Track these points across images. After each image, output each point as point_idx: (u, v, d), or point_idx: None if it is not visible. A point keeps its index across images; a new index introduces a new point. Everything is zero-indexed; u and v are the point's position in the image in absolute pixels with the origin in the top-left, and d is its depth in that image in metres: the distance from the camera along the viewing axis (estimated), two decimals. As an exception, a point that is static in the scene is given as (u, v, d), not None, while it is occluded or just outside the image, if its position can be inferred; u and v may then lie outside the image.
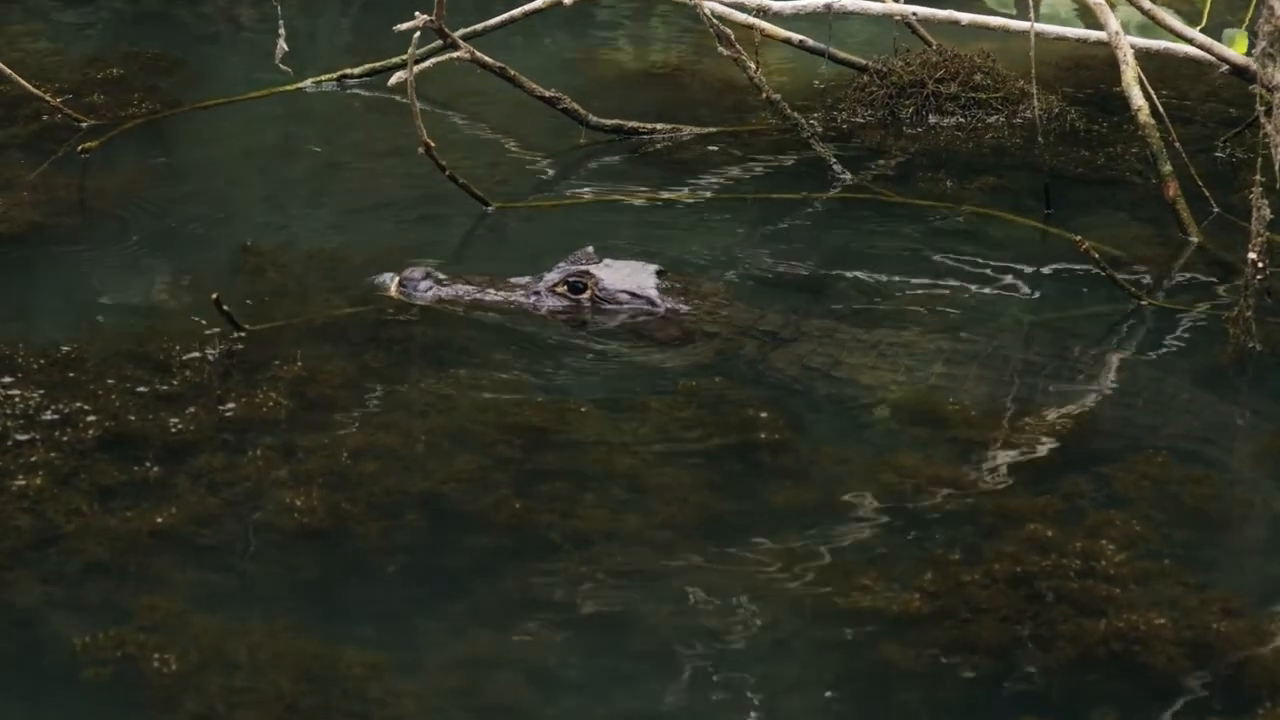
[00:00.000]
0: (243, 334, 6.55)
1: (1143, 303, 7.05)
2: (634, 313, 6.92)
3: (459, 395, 6.34)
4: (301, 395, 6.25)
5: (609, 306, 6.93)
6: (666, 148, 8.69)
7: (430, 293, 6.93)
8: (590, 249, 7.07)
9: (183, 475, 5.81)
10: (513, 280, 6.99)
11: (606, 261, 7.02)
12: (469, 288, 6.96)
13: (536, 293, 6.93)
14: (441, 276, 6.96)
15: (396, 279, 6.97)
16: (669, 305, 6.91)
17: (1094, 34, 8.24)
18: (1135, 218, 7.96)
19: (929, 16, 8.68)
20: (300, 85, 9.11)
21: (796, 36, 8.92)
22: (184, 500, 5.69)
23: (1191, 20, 10.50)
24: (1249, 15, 9.13)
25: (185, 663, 5.01)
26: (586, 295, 6.92)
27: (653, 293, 6.92)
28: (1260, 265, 6.35)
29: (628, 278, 6.97)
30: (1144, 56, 8.33)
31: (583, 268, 6.95)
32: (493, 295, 6.95)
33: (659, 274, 6.99)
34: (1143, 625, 5.16)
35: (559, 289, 6.93)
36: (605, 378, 6.57)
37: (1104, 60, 8.73)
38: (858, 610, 5.31)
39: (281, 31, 7.72)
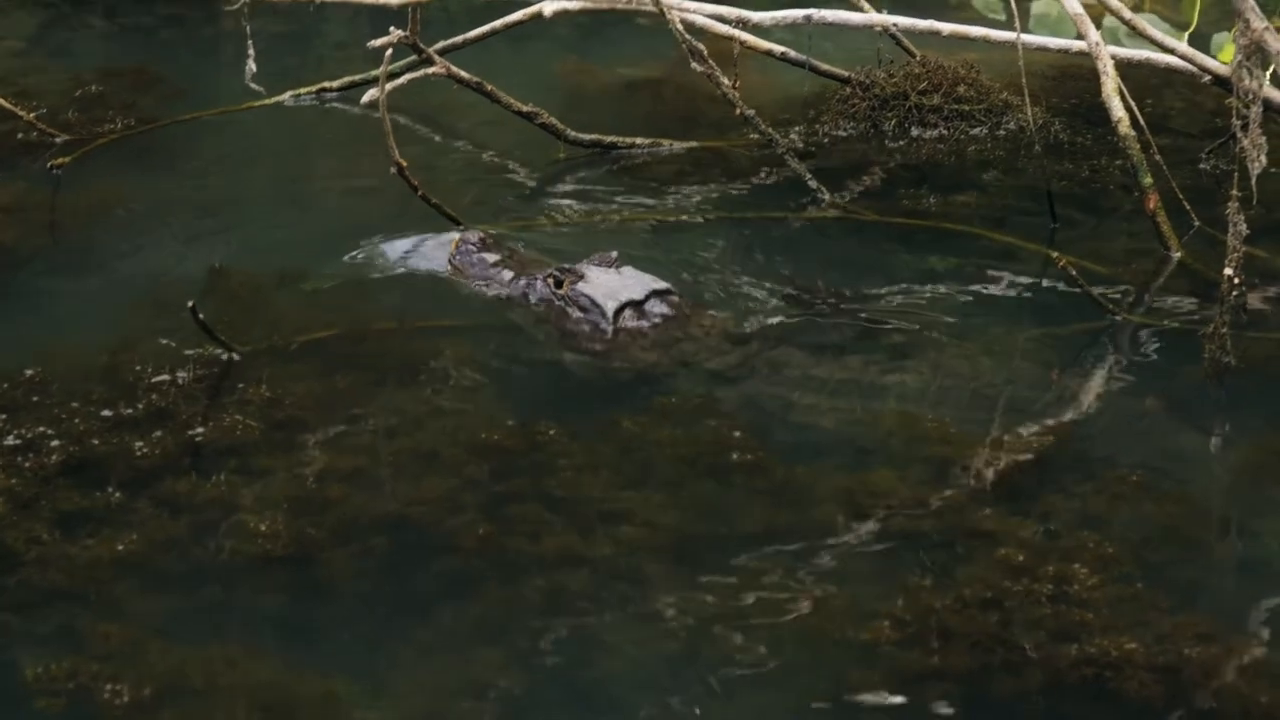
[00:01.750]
0: (223, 351, 6.48)
1: (1119, 318, 6.98)
2: (589, 323, 6.87)
3: (429, 417, 6.27)
4: (269, 418, 6.19)
5: (571, 310, 6.91)
6: (646, 162, 8.62)
7: (457, 258, 7.19)
8: (614, 254, 7.08)
9: (146, 501, 5.74)
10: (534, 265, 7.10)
11: (613, 268, 6.99)
12: (492, 257, 7.16)
13: (535, 279, 6.99)
14: (486, 242, 7.22)
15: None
16: (625, 327, 6.85)
17: (1075, 44, 8.16)
18: (1118, 231, 7.89)
19: (910, 27, 8.61)
20: (279, 99, 9.06)
21: (778, 48, 8.85)
22: (146, 526, 5.62)
23: (1183, 27, 10.47)
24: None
25: (140, 692, 4.94)
26: (562, 291, 6.93)
27: (608, 311, 6.85)
28: (1237, 281, 6.27)
29: (605, 288, 6.92)
30: (1129, 66, 8.26)
31: (574, 265, 6.97)
32: (501, 274, 7.08)
33: (660, 294, 6.92)
34: (1115, 651, 5.09)
35: (549, 280, 6.96)
36: (578, 399, 6.50)
37: (1090, 70, 8.61)
38: (827, 636, 5.24)
39: (250, 51, 7.65)
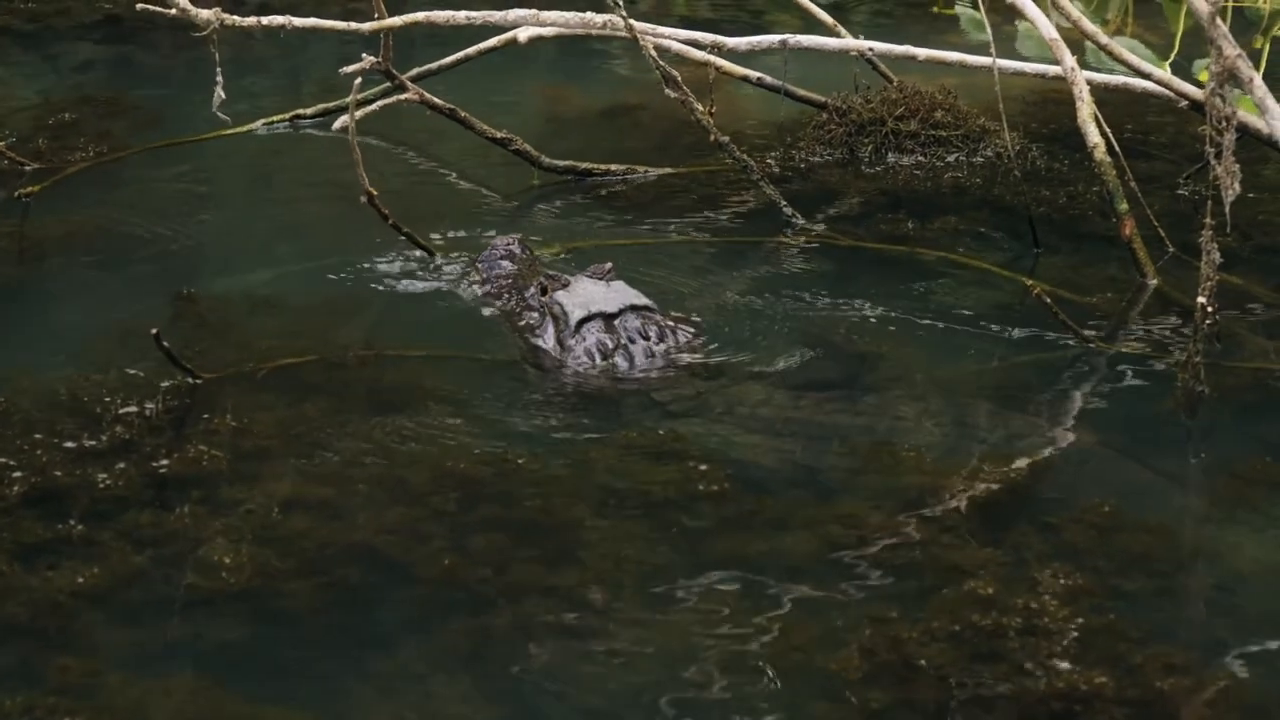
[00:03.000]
0: (186, 376, 6.43)
1: (1093, 346, 6.93)
2: (556, 332, 6.90)
3: (397, 445, 6.22)
4: (236, 448, 6.14)
5: (545, 318, 6.95)
6: (621, 189, 8.58)
7: (480, 262, 7.37)
8: (608, 265, 7.11)
9: (108, 533, 5.68)
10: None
11: (604, 280, 7.02)
12: (506, 267, 7.28)
13: (530, 288, 7.06)
14: (516, 251, 7.33)
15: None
16: (588, 339, 6.82)
17: (1051, 69, 8.12)
18: (1095, 258, 7.85)
19: (886, 53, 8.57)
20: (251, 127, 9.02)
21: (754, 74, 8.81)
22: (108, 559, 5.56)
23: (1165, 52, 10.44)
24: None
25: (96, 728, 4.89)
26: (545, 299, 6.98)
27: (572, 320, 6.86)
28: (1210, 310, 6.23)
29: (580, 298, 6.92)
30: (1108, 90, 8.22)
31: (564, 275, 7.02)
32: (507, 283, 7.18)
33: (638, 310, 6.89)
34: (1084, 684, 5.04)
35: (538, 286, 7.03)
36: (547, 427, 6.44)
37: (1069, 94, 8.57)
38: (795, 669, 5.18)
39: (219, 78, 7.60)
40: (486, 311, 7.21)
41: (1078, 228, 8.16)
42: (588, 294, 6.94)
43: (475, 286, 7.30)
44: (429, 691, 5.12)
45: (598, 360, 6.78)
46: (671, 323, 6.95)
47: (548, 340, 6.90)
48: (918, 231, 8.13)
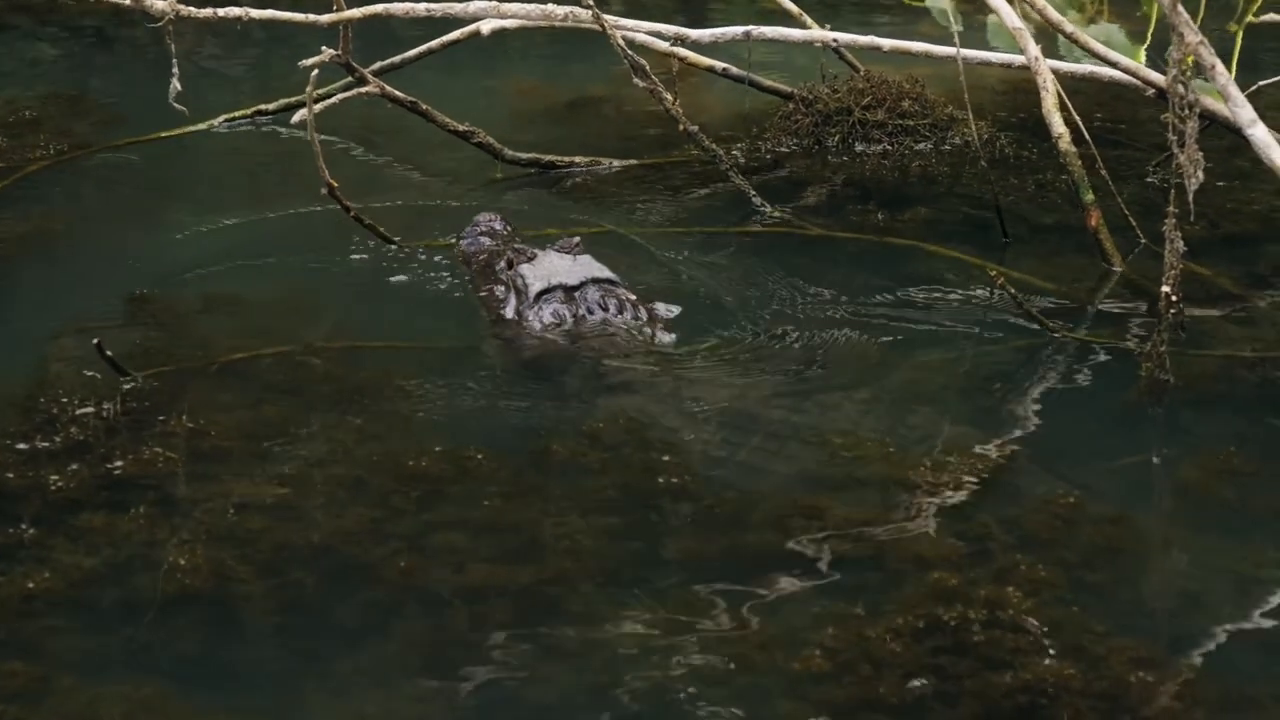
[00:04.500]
0: (128, 381, 6.35)
1: (1056, 335, 6.86)
2: (517, 305, 6.91)
3: (357, 443, 6.14)
4: (193, 448, 6.06)
5: (509, 291, 6.96)
6: (586, 180, 8.51)
7: (464, 238, 7.38)
8: (576, 240, 7.12)
9: (61, 536, 5.60)
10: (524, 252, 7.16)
11: (571, 255, 7.04)
12: (485, 243, 7.30)
13: (500, 264, 7.08)
14: (497, 228, 7.35)
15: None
16: (545, 311, 6.82)
17: (1017, 59, 8.05)
18: (1064, 246, 7.79)
19: (850, 43, 8.50)
20: (213, 123, 8.94)
21: (719, 65, 8.75)
22: (60, 562, 5.48)
23: (1141, 38, 10.38)
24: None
25: (44, 734, 4.81)
26: (510, 272, 7.01)
27: (532, 292, 6.88)
28: (1175, 299, 6.16)
29: (542, 271, 6.94)
30: (1078, 79, 8.17)
31: (527, 249, 7.06)
32: (483, 260, 7.19)
33: (600, 283, 6.89)
34: (1050, 677, 4.97)
35: (505, 260, 7.07)
36: (508, 421, 6.37)
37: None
38: (758, 667, 5.10)
39: (175, 71, 7.51)
40: (451, 297, 7.17)
41: (1047, 216, 8.10)
42: (551, 267, 6.97)
43: (461, 267, 7.35)
44: (386, 694, 5.05)
45: (551, 325, 6.74)
46: (634, 297, 6.93)
47: (509, 312, 6.87)
48: (886, 221, 8.07)
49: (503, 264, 7.06)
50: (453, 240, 7.48)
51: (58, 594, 5.36)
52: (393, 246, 7.49)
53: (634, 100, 9.20)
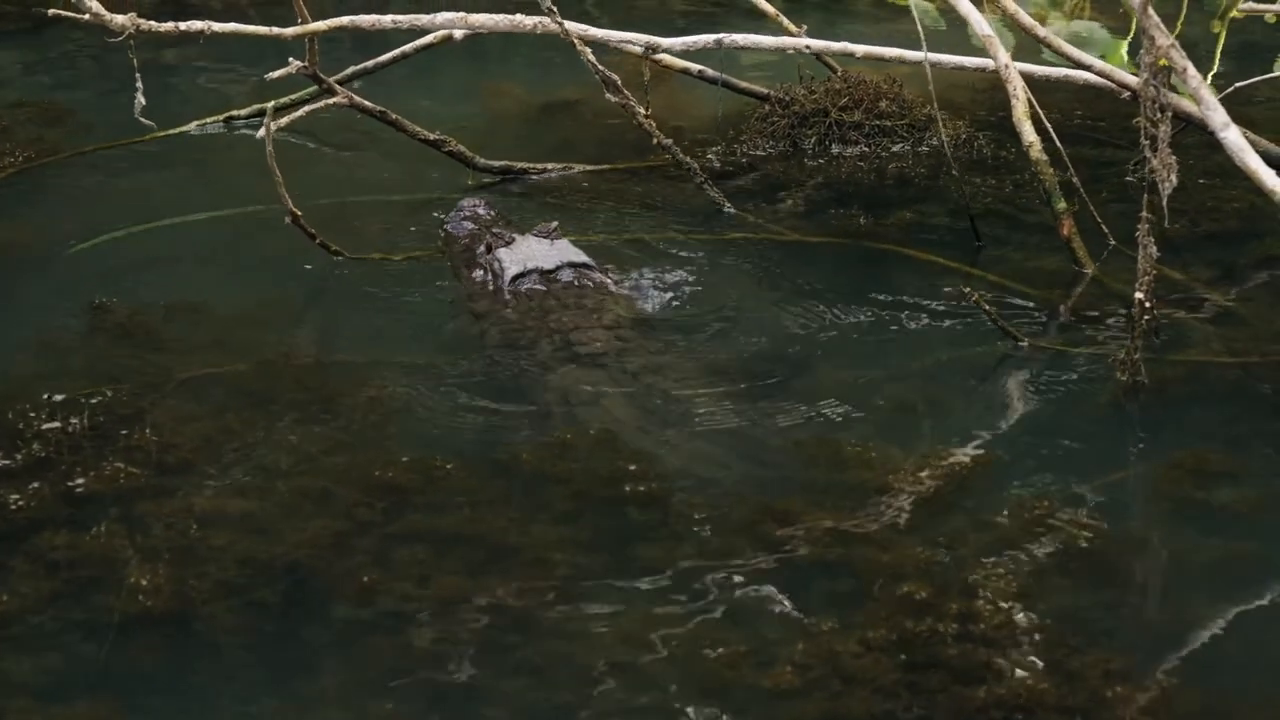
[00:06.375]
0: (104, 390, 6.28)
1: (1022, 344, 6.76)
2: (493, 288, 6.96)
3: (323, 454, 6.06)
4: (157, 463, 5.97)
5: (486, 274, 7.02)
6: (558, 187, 8.44)
7: (449, 223, 7.44)
8: (554, 224, 7.18)
9: (20, 556, 5.51)
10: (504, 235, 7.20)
11: (548, 239, 7.09)
12: (468, 228, 7.35)
13: (488, 244, 7.12)
14: (481, 213, 7.40)
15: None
16: (521, 293, 6.88)
17: (989, 64, 7.95)
18: (1040, 248, 7.70)
19: (824, 49, 8.42)
20: (184, 129, 8.87)
21: (694, 66, 8.66)
22: (19, 583, 5.39)
23: (1124, 34, 10.29)
24: (1177, 29, 8.88)
25: (-3, 762, 4.73)
26: (488, 256, 7.06)
27: (508, 275, 6.93)
28: (1148, 305, 6.08)
29: (520, 254, 6.99)
30: (1053, 82, 8.10)
31: (505, 233, 7.12)
32: (465, 243, 7.25)
33: (576, 266, 6.95)
34: (1024, 692, 4.90)
35: (485, 244, 7.11)
36: (476, 430, 6.28)
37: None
38: (727, 684, 5.03)
39: (139, 84, 7.43)
40: (418, 306, 7.16)
41: (1023, 218, 8.02)
42: (528, 251, 7.03)
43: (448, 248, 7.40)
44: (350, 712, 4.97)
45: (534, 317, 6.72)
46: (609, 280, 6.99)
47: (483, 294, 6.97)
48: (862, 224, 7.99)
49: (482, 248, 7.12)
50: (416, 255, 7.46)
51: (15, 615, 5.29)
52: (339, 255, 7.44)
53: (610, 103, 9.10)
